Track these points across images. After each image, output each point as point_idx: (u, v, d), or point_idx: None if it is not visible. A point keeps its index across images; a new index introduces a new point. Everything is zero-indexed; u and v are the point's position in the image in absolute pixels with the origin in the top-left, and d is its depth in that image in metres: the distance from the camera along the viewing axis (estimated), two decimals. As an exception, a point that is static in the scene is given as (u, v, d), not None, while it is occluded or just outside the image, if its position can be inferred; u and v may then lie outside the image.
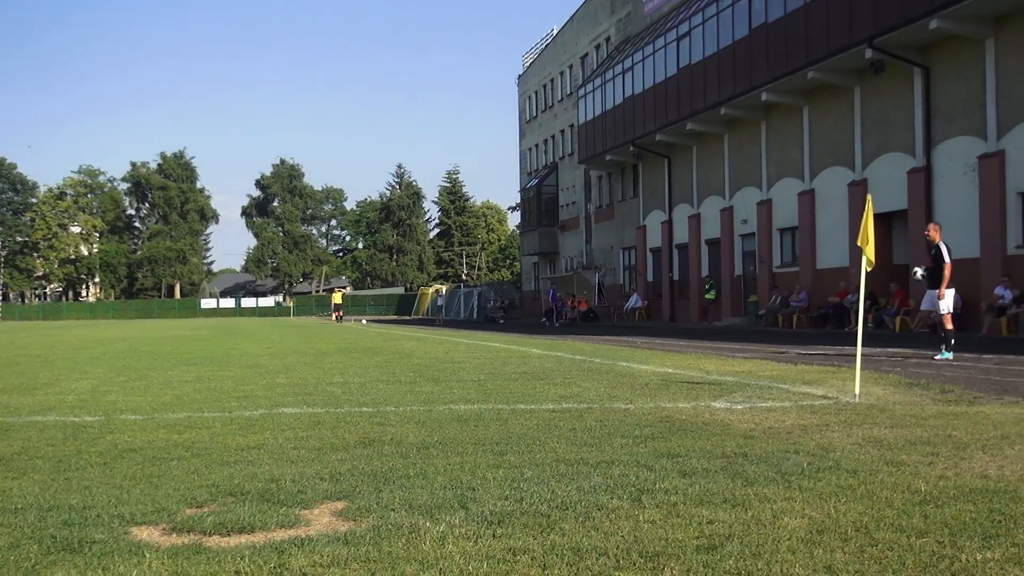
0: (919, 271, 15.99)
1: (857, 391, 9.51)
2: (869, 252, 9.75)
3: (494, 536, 4.31)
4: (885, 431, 7.21)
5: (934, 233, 15.81)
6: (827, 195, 32.09)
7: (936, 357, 15.10)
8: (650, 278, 46.98)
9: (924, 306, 16.01)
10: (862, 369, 10.32)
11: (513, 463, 6.12)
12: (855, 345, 9.85)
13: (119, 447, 7.12)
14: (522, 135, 71.16)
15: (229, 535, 4.45)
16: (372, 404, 9.80)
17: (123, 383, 13.09)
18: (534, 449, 6.67)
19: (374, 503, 4.99)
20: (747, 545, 4.06)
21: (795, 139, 34.09)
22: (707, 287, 39.73)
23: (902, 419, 7.85)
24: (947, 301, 15.44)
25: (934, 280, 15.57)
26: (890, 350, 17.80)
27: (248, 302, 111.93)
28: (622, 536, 4.25)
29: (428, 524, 4.51)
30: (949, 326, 15.45)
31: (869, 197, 10.06)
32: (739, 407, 8.93)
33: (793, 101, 33.45)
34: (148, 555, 4.08)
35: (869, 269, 9.90)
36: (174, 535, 4.48)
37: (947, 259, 15.37)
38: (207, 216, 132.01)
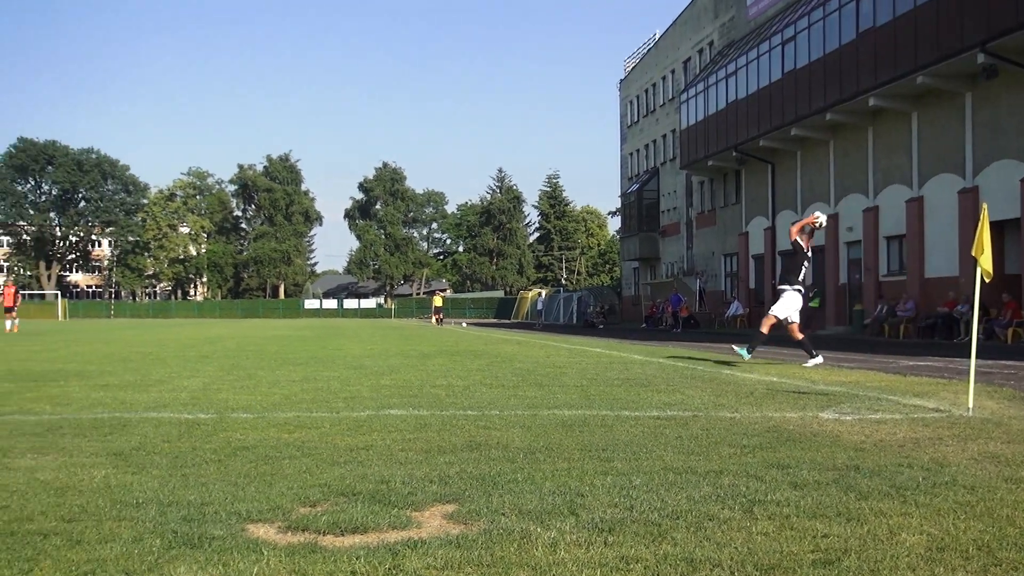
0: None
1: (971, 404, 9.24)
2: (985, 263, 9.41)
3: (606, 544, 4.28)
4: (1002, 446, 7.01)
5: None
6: (936, 202, 31.34)
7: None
8: (752, 285, 46.42)
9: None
10: (974, 382, 10.05)
11: (620, 470, 6.09)
12: (964, 357, 9.58)
13: (232, 445, 7.25)
14: (623, 140, 70.91)
15: (343, 535, 4.50)
16: (476, 407, 9.83)
17: (233, 381, 13.34)
18: (641, 456, 6.63)
19: (484, 507, 5.00)
20: (865, 561, 3.97)
21: (903, 145, 33.37)
22: (812, 295, 39.09)
23: (1019, 434, 7.62)
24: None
25: None
26: (1002, 363, 17.29)
27: (350, 303, 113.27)
28: (735, 547, 4.20)
29: (539, 530, 4.50)
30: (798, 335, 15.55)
31: (984, 206, 9.74)
32: (848, 418, 8.76)
33: (901, 106, 32.76)
34: (266, 553, 4.15)
35: (988, 280, 9.59)
36: (289, 533, 4.55)
37: None
38: (311, 218, 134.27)
